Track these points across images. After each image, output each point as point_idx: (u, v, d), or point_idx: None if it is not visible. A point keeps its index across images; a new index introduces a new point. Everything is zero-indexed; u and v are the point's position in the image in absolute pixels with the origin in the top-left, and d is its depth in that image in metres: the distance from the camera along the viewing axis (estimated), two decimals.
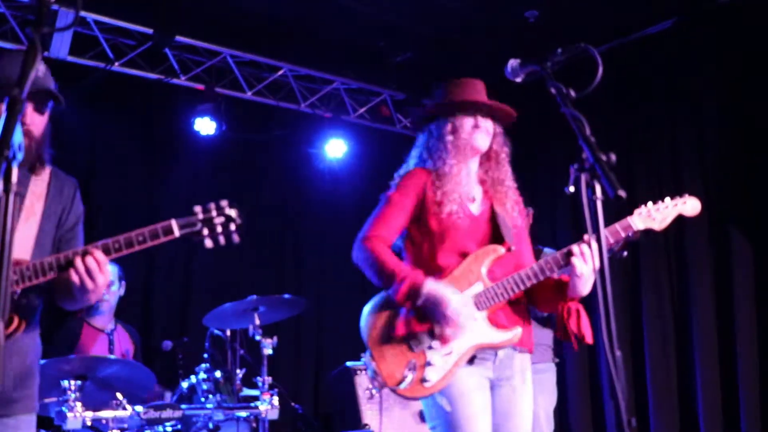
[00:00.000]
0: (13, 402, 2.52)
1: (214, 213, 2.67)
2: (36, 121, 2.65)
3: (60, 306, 2.72)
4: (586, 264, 2.77)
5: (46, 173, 2.75)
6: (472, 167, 3.12)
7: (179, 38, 6.00)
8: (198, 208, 2.67)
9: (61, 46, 5.61)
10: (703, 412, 5.44)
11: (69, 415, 3.84)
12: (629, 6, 5.71)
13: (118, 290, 5.36)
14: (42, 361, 4.08)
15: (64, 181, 2.85)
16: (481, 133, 3.05)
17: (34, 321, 2.67)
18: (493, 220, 3.04)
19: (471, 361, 2.85)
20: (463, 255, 2.96)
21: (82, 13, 5.35)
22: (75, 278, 2.45)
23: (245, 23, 6.07)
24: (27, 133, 2.59)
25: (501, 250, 2.96)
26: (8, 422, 2.50)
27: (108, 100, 6.20)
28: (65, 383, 3.94)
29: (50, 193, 2.74)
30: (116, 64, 6.00)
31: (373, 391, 4.81)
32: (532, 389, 3.02)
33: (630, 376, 5.78)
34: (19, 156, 1.68)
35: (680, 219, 3.09)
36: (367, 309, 2.98)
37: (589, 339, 2.97)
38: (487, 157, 3.14)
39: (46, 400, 4.20)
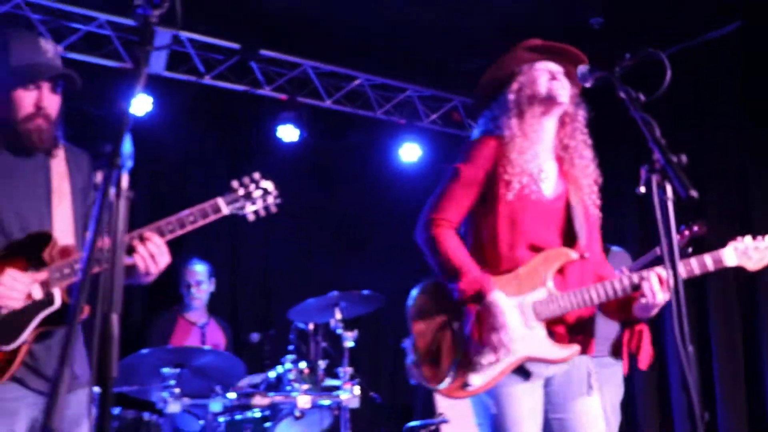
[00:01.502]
0: (77, 377, 2.52)
1: (252, 187, 2.67)
2: (52, 103, 2.57)
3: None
4: (654, 297, 2.50)
5: (60, 151, 2.68)
6: (545, 136, 2.71)
7: (264, 52, 6.09)
8: (235, 183, 2.67)
9: (158, 62, 5.77)
10: None
11: (169, 399, 3.94)
12: (692, 10, 5.55)
13: (208, 287, 5.48)
14: (144, 351, 4.24)
15: (78, 154, 2.78)
16: (557, 83, 2.66)
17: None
18: (568, 209, 2.68)
19: (524, 374, 2.55)
20: (530, 245, 2.60)
21: (174, 31, 5.48)
22: (140, 264, 2.45)
23: (324, 37, 6.11)
24: (44, 116, 2.53)
25: (573, 255, 2.62)
26: (71, 397, 2.49)
27: (199, 111, 6.33)
28: (165, 371, 4.05)
29: (70, 169, 2.68)
30: (206, 77, 6.11)
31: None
32: (596, 389, 2.68)
33: (697, 370, 5.62)
34: (129, 164, 1.74)
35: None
36: (418, 294, 2.71)
37: (643, 365, 2.71)
38: (561, 124, 2.74)
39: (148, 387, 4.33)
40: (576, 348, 2.58)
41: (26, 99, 2.52)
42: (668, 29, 5.75)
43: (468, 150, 2.71)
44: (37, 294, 2.42)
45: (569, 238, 2.67)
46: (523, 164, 2.60)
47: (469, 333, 2.53)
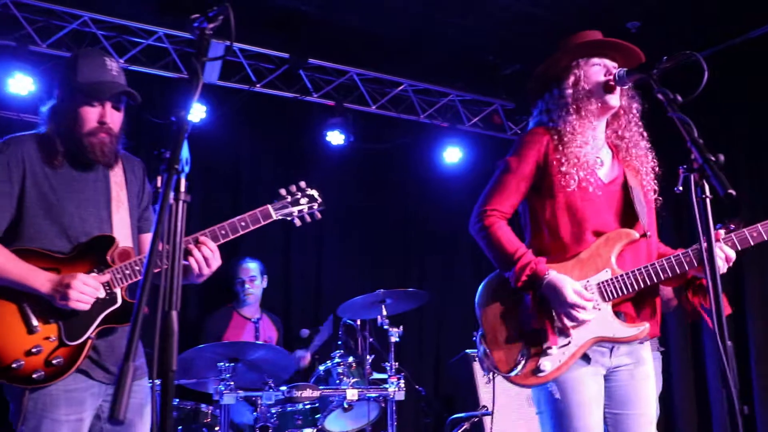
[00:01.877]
0: (137, 368, 2.62)
1: (299, 194, 2.76)
2: (115, 119, 2.65)
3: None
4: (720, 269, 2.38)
5: (118, 161, 2.75)
6: (599, 127, 2.66)
7: (311, 61, 6.12)
8: (283, 191, 2.74)
9: (212, 72, 5.84)
10: None
11: (225, 391, 3.99)
12: (728, 13, 5.44)
13: (261, 284, 5.53)
14: (201, 346, 4.30)
15: (134, 162, 2.84)
16: (612, 96, 2.58)
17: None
18: (626, 191, 2.61)
19: (587, 359, 2.50)
20: (594, 232, 2.54)
21: (227, 42, 5.54)
22: (194, 266, 2.53)
23: (369, 45, 6.12)
24: (107, 131, 2.61)
25: (635, 235, 2.54)
26: (133, 386, 2.60)
27: (251, 117, 6.37)
28: (221, 364, 4.09)
29: (127, 178, 2.75)
30: (258, 85, 6.16)
31: (491, 376, 4.62)
32: (653, 372, 2.62)
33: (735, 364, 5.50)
34: (186, 168, 1.77)
35: None
36: (483, 287, 2.65)
37: (727, 309, 2.63)
38: (615, 116, 2.69)
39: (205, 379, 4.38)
40: (646, 326, 2.51)
41: (91, 114, 2.60)
42: (704, 32, 5.65)
43: (520, 143, 2.66)
44: (101, 294, 2.52)
45: (629, 219, 2.60)
46: (581, 156, 2.55)
47: (533, 319, 2.49)
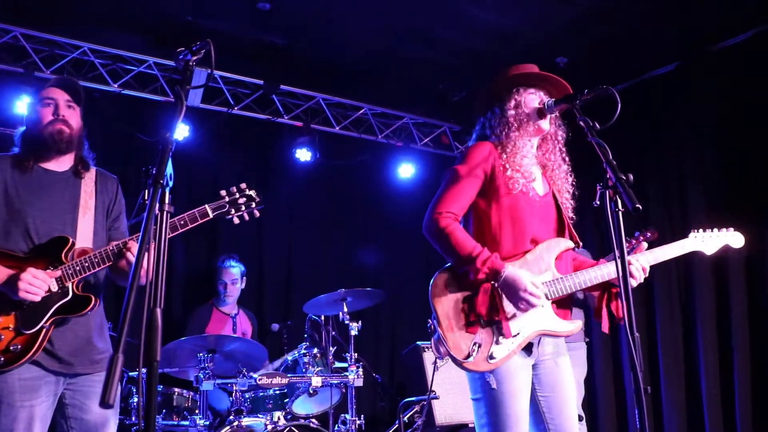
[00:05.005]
0: (96, 363, 2.61)
1: (237, 195, 2.68)
2: (69, 113, 2.72)
3: (117, 284, 2.75)
4: (639, 277, 2.56)
5: (92, 173, 2.76)
6: (534, 145, 2.68)
7: (283, 87, 6.13)
8: (223, 192, 2.69)
9: (195, 96, 5.81)
10: (705, 382, 5.29)
11: (204, 379, 3.96)
12: (639, 52, 5.60)
13: (241, 285, 5.50)
14: (182, 339, 4.26)
15: (108, 178, 2.83)
16: (543, 115, 2.62)
17: (100, 298, 2.68)
18: (557, 205, 2.65)
19: (529, 350, 2.49)
20: (531, 239, 2.54)
21: (209, 70, 5.50)
22: (125, 264, 2.53)
23: (333, 74, 6.14)
24: (63, 122, 2.69)
25: (570, 244, 2.58)
26: (94, 378, 2.60)
27: (229, 136, 6.35)
28: (200, 355, 4.06)
29: (98, 189, 2.75)
30: (235, 108, 6.15)
31: (439, 363, 4.49)
32: (569, 362, 2.64)
33: (645, 353, 5.65)
34: (170, 183, 1.77)
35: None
36: (437, 279, 2.54)
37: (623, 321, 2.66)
38: (543, 139, 2.71)
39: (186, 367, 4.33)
40: (579, 323, 2.55)
41: (46, 111, 2.69)
42: (622, 67, 5.80)
43: (466, 152, 2.64)
44: (54, 287, 2.51)
45: (561, 230, 2.65)
46: (523, 165, 2.56)
47: (489, 311, 2.44)
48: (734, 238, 2.84)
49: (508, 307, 2.46)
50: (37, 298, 2.46)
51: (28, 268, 2.45)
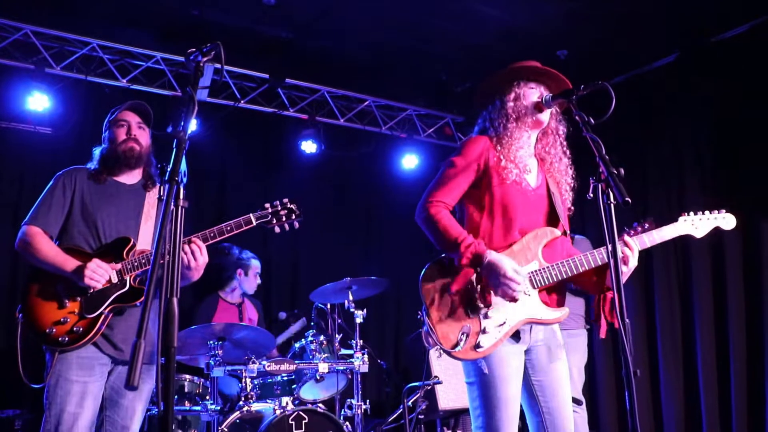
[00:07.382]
0: (153, 354, 2.76)
1: (279, 207, 2.93)
2: (140, 133, 3.06)
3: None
4: (626, 264, 2.51)
5: (158, 188, 2.93)
6: (532, 138, 2.70)
7: (288, 80, 6.17)
8: (267, 204, 2.94)
9: (202, 91, 5.85)
10: (702, 369, 5.37)
11: (214, 366, 4.02)
12: (639, 44, 5.64)
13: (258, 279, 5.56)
14: (193, 327, 4.34)
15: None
16: (541, 109, 2.62)
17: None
18: (549, 197, 2.66)
19: (517, 337, 2.51)
20: (522, 231, 2.56)
21: (218, 65, 5.55)
22: (184, 257, 2.74)
23: (338, 67, 6.18)
24: (134, 140, 3.04)
25: (557, 232, 2.59)
26: (151, 369, 2.80)
27: (236, 129, 6.39)
28: (210, 343, 4.13)
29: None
30: (242, 102, 6.19)
31: (439, 351, 4.55)
32: (562, 345, 2.63)
33: (644, 340, 5.72)
34: (185, 180, 1.84)
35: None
36: (427, 270, 2.58)
37: (618, 325, 2.62)
38: (544, 133, 2.73)
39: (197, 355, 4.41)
40: (566, 310, 2.57)
41: (120, 131, 3.04)
42: (621, 60, 5.83)
43: (463, 145, 2.67)
44: (114, 279, 2.81)
45: (552, 221, 2.66)
46: (517, 156, 2.58)
47: (476, 299, 2.47)
48: (725, 221, 2.77)
49: (494, 296, 2.48)
50: (99, 285, 2.77)
51: (94, 259, 2.79)
